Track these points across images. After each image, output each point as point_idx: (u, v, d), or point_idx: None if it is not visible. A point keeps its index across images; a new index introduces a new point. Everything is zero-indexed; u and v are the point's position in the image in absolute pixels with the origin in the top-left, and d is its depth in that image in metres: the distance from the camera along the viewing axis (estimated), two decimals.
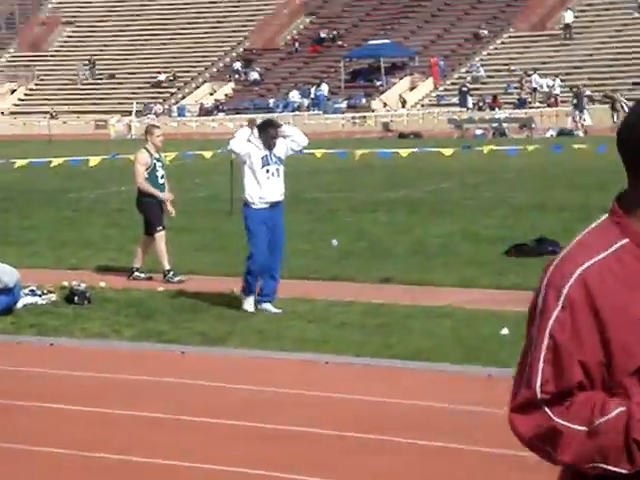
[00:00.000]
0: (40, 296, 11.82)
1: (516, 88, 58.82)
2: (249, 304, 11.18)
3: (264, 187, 11.11)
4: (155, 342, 10.08)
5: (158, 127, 13.84)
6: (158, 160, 13.37)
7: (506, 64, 61.81)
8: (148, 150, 13.34)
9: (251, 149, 11.15)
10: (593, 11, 63.51)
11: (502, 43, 63.81)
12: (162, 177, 13.38)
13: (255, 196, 11.12)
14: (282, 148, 11.27)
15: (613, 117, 47.21)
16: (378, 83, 62.98)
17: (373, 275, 13.11)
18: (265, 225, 11.14)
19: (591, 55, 59.83)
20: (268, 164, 11.15)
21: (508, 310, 10.92)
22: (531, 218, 17.89)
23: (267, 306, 11.16)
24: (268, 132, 11.19)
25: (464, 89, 58.29)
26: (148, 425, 7.59)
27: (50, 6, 77.47)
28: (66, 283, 12.32)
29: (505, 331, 9.96)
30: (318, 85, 63.09)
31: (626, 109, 46.67)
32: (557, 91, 57.02)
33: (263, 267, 11.13)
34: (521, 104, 56.69)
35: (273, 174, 11.16)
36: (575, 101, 48.92)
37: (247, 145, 11.17)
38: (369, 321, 10.64)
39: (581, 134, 44.48)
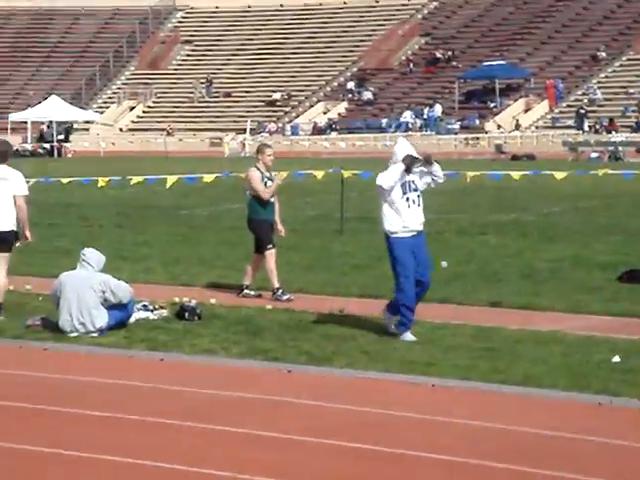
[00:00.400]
0: (152, 311, 12.03)
1: (634, 111, 57.78)
2: (409, 335, 10.82)
3: (405, 216, 10.84)
4: (262, 360, 10.16)
5: (270, 146, 13.96)
6: (269, 179, 13.50)
7: (624, 87, 60.81)
8: (259, 169, 13.49)
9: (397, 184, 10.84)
10: None
11: (620, 65, 62.82)
12: (272, 196, 13.51)
13: (397, 225, 10.86)
14: (423, 179, 11.00)
15: None
16: (492, 104, 62.58)
17: (482, 298, 13.00)
18: (413, 253, 10.83)
19: None
20: (408, 192, 10.87)
21: (620, 337, 10.73)
22: None
23: (400, 332, 10.95)
24: (415, 166, 10.88)
25: (581, 111, 57.52)
26: (252, 443, 7.66)
27: (170, 25, 79.07)
28: (177, 299, 12.52)
29: (617, 359, 9.78)
30: (431, 106, 62.98)
31: None
32: None
33: (414, 299, 10.87)
34: (638, 128, 55.66)
35: (414, 201, 10.89)
36: None
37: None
38: (477, 345, 10.55)
39: None
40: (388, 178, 10.83)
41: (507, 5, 71.44)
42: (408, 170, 10.86)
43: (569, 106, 60.57)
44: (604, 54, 63.37)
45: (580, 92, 61.39)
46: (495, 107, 62.24)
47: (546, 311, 12.25)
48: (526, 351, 10.24)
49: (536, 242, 18.23)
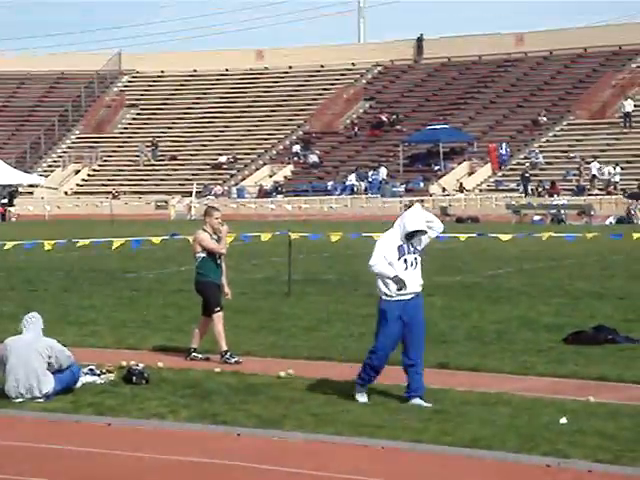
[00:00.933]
0: (99, 375, 11.93)
1: (575, 175, 58.73)
2: (362, 396, 10.82)
3: (402, 278, 10.59)
4: (211, 423, 10.10)
5: (217, 209, 13.99)
6: (217, 241, 13.52)
7: (565, 151, 61.85)
8: (206, 231, 13.51)
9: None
10: None
11: (561, 130, 63.94)
12: (219, 258, 13.52)
13: (393, 289, 10.60)
14: (422, 239, 10.76)
15: None
16: (436, 167, 63.29)
17: (430, 360, 13.05)
18: (401, 321, 10.66)
19: None
20: (405, 253, 10.65)
21: (566, 399, 10.82)
22: (590, 306, 17.75)
23: (418, 401, 10.68)
24: (415, 237, 10.68)
25: (526, 175, 58.39)
26: None
27: (115, 89, 79.21)
28: (124, 363, 12.43)
29: (564, 420, 9.85)
30: (376, 169, 63.54)
31: None
32: (617, 179, 56.82)
33: (383, 363, 10.80)
34: (580, 191, 56.54)
35: (412, 264, 10.65)
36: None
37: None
38: (426, 407, 10.59)
39: None
40: (382, 269, 10.60)
41: (450, 70, 72.62)
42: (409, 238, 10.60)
43: (512, 169, 61.43)
44: (545, 119, 64.51)
45: (522, 156, 62.32)
46: (439, 170, 62.95)
47: (493, 372, 12.33)
48: (474, 413, 10.29)
49: (482, 304, 18.37)
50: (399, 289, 10.62)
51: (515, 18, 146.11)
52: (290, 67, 76.60)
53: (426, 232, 10.72)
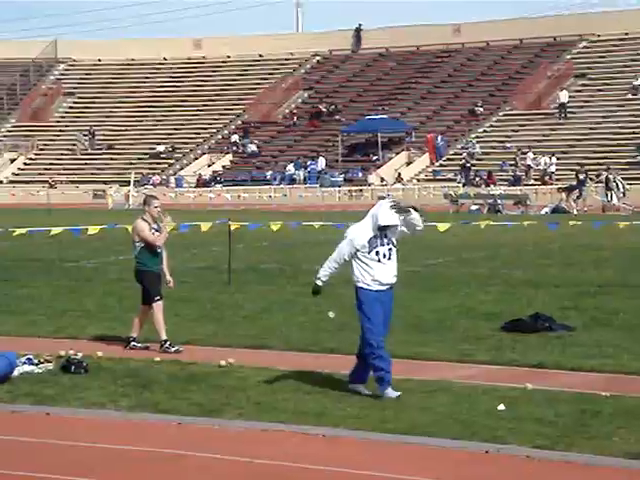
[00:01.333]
0: (37, 365, 11.83)
1: (511, 165, 59.31)
2: (393, 393, 10.44)
3: (375, 270, 10.50)
4: (152, 412, 10.07)
5: (156, 198, 13.91)
6: (157, 230, 13.46)
7: (501, 141, 62.42)
8: (146, 220, 13.44)
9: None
10: (588, 91, 64.30)
11: (498, 121, 64.49)
12: (159, 247, 13.46)
13: (367, 279, 10.53)
14: (399, 230, 10.61)
15: (607, 196, 47.53)
16: (375, 157, 63.50)
17: None
18: (380, 304, 10.57)
19: (585, 134, 60.46)
20: (378, 245, 10.51)
21: (505, 386, 10.96)
22: (527, 294, 17.96)
23: (360, 388, 10.71)
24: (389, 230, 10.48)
25: (467, 165, 58.84)
26: None
27: (52, 77, 78.29)
28: (63, 352, 12.35)
29: (502, 407, 9.98)
30: (314, 159, 63.60)
31: (621, 188, 47.05)
32: (553, 169, 57.47)
33: (384, 350, 10.61)
34: (516, 181, 57.11)
35: (384, 255, 10.52)
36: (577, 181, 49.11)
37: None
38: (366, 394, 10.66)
39: (575, 212, 44.71)
40: (360, 235, 10.51)
41: (388, 61, 72.86)
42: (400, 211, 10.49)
43: (449, 159, 61.85)
44: (482, 109, 65.01)
45: (459, 146, 62.77)
46: (377, 160, 63.17)
47: (432, 360, 12.44)
48: (414, 400, 10.38)
49: (421, 292, 18.51)
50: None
51: (452, 9, 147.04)
52: (228, 56, 76.29)
53: (409, 211, 10.54)
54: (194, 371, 11.79)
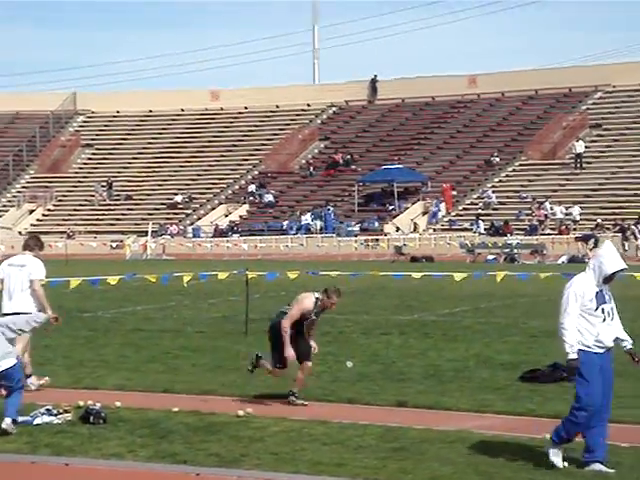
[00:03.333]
0: (56, 415, 11.85)
1: (527, 215, 59.32)
2: (557, 456, 9.64)
3: (599, 329, 9.55)
4: (170, 463, 10.07)
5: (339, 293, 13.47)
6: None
7: (517, 191, 62.49)
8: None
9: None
10: (603, 142, 64.43)
11: (513, 170, 64.61)
12: None
13: (590, 339, 9.54)
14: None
15: (624, 245, 47.46)
16: (391, 207, 63.63)
17: (388, 398, 13.12)
18: (602, 372, 9.54)
19: (601, 184, 60.48)
20: (604, 302, 9.62)
21: (523, 436, 10.92)
22: (545, 344, 17.91)
23: (599, 467, 9.55)
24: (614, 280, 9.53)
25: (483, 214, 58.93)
26: None
27: (71, 129, 78.95)
28: (82, 403, 12.36)
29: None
30: (329, 208, 63.77)
31: (638, 237, 46.99)
32: (577, 218, 57.07)
33: (590, 422, 9.56)
34: (532, 231, 57.10)
35: (609, 314, 9.61)
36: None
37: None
38: (385, 445, 10.63)
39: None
40: (586, 287, 9.63)
41: (404, 111, 73.24)
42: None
43: (465, 209, 61.91)
44: (497, 159, 65.19)
45: (475, 196, 62.85)
46: (393, 210, 63.29)
47: (451, 410, 12.41)
48: (433, 451, 10.35)
49: (439, 342, 18.48)
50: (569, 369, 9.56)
51: (467, 60, 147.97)
52: (245, 107, 76.85)
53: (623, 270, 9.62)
54: (212, 421, 11.79)
